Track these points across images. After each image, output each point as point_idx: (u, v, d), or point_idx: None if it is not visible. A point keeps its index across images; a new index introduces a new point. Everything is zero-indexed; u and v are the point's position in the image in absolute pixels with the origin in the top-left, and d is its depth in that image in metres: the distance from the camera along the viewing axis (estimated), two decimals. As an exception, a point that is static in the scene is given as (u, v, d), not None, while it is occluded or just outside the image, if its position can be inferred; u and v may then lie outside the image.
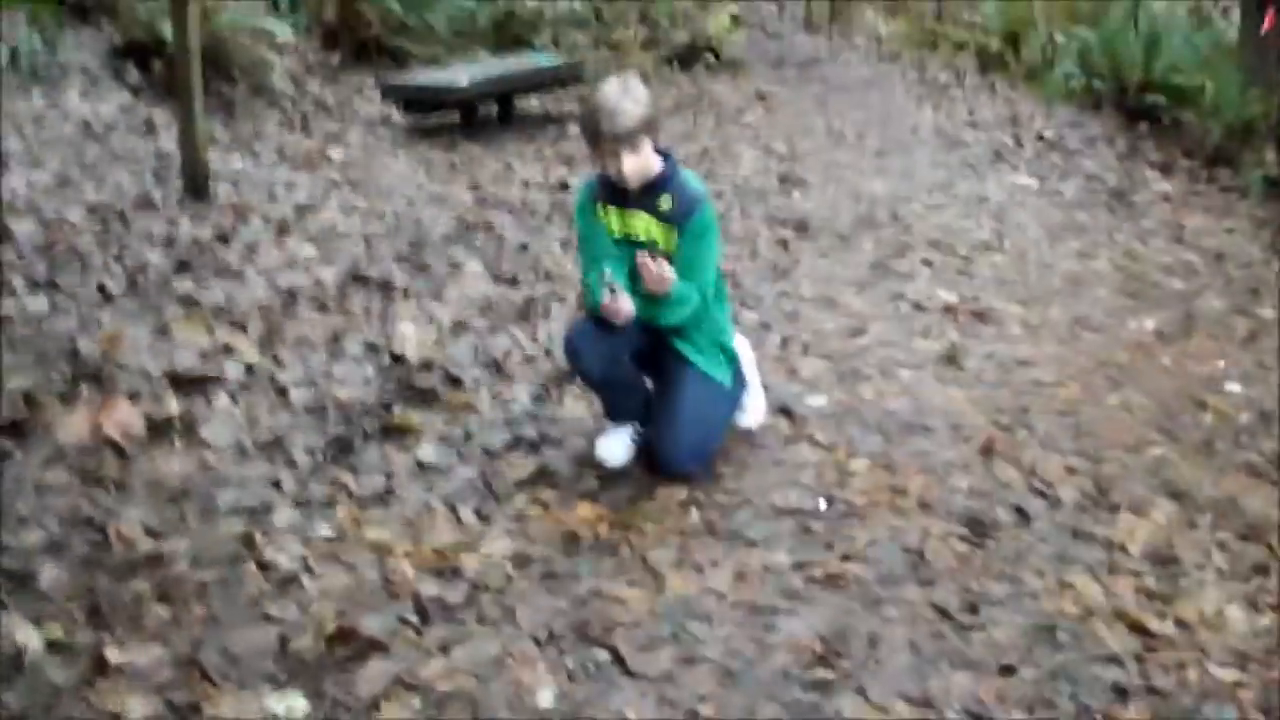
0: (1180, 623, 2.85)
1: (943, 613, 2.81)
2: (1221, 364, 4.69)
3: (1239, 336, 5.04)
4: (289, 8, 9.31)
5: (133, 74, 7.57)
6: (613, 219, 3.45)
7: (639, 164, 3.32)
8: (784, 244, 6.00)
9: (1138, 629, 2.80)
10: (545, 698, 2.43)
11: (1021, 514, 3.34)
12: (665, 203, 3.38)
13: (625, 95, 3.27)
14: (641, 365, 3.53)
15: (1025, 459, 3.68)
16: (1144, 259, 6.00)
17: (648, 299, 3.34)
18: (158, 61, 7.56)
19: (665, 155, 3.45)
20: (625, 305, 3.25)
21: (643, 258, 3.25)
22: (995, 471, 3.59)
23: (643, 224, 3.42)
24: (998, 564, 3.07)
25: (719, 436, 3.60)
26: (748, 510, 3.27)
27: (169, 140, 6.67)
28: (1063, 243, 6.20)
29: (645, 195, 3.41)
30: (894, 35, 15.50)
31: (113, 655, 2.46)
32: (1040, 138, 8.65)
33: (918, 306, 5.10)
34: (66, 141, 6.38)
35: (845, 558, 3.04)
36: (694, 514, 3.23)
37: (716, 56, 12.49)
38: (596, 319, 3.38)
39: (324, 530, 3.00)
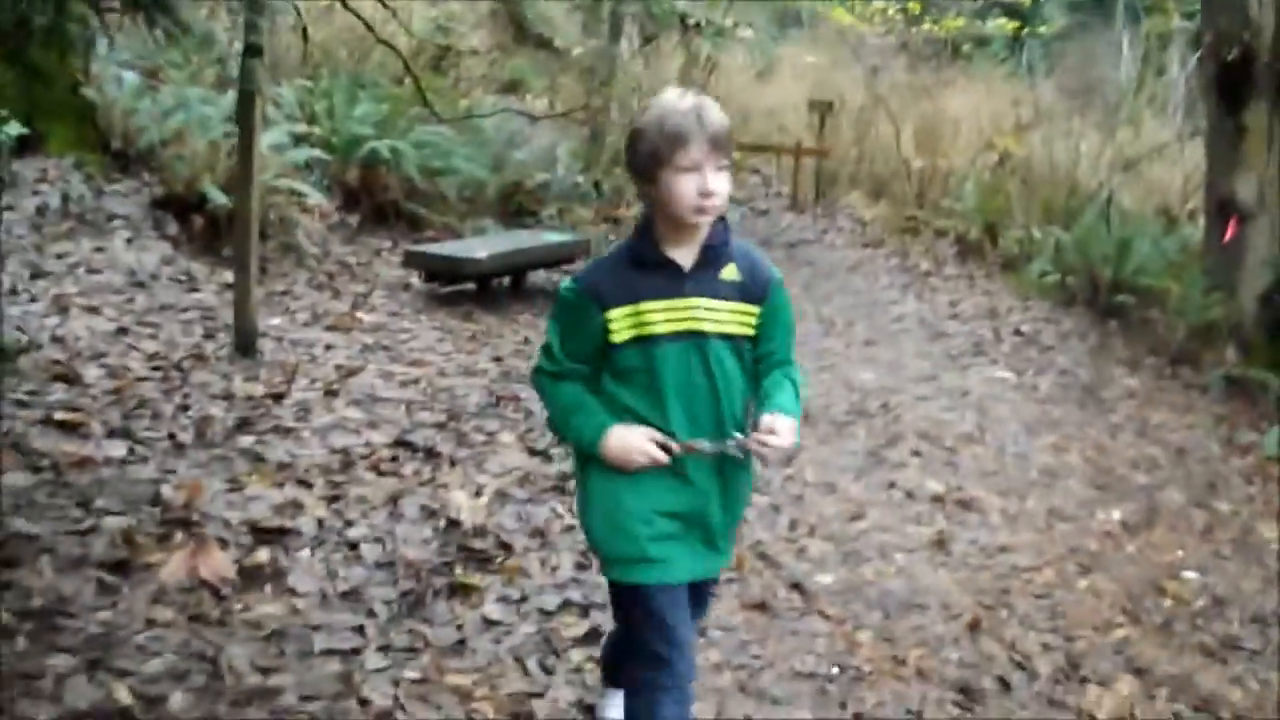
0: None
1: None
2: (1180, 553, 5.26)
3: (1197, 529, 5.62)
4: (319, 175, 9.95)
5: (172, 226, 8.05)
6: (655, 316, 2.49)
7: (726, 193, 2.43)
8: (785, 426, 6.55)
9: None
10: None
11: (1004, 684, 3.85)
12: (731, 273, 2.54)
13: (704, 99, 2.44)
14: None
15: (1007, 635, 4.20)
16: (1112, 453, 6.60)
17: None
18: (197, 217, 8.06)
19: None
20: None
21: (757, 438, 2.49)
22: (981, 646, 4.09)
23: (707, 311, 2.52)
24: (987, 728, 3.57)
25: None
26: (771, 673, 3.75)
27: (209, 294, 7.24)
28: (1038, 436, 6.79)
29: (702, 269, 2.53)
30: (876, 219, 16.29)
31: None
32: (1018, 332, 9.36)
33: (909, 495, 5.64)
34: (115, 289, 6.89)
35: (857, 716, 3.54)
36: (726, 675, 3.70)
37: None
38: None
39: (410, 673, 3.44)
